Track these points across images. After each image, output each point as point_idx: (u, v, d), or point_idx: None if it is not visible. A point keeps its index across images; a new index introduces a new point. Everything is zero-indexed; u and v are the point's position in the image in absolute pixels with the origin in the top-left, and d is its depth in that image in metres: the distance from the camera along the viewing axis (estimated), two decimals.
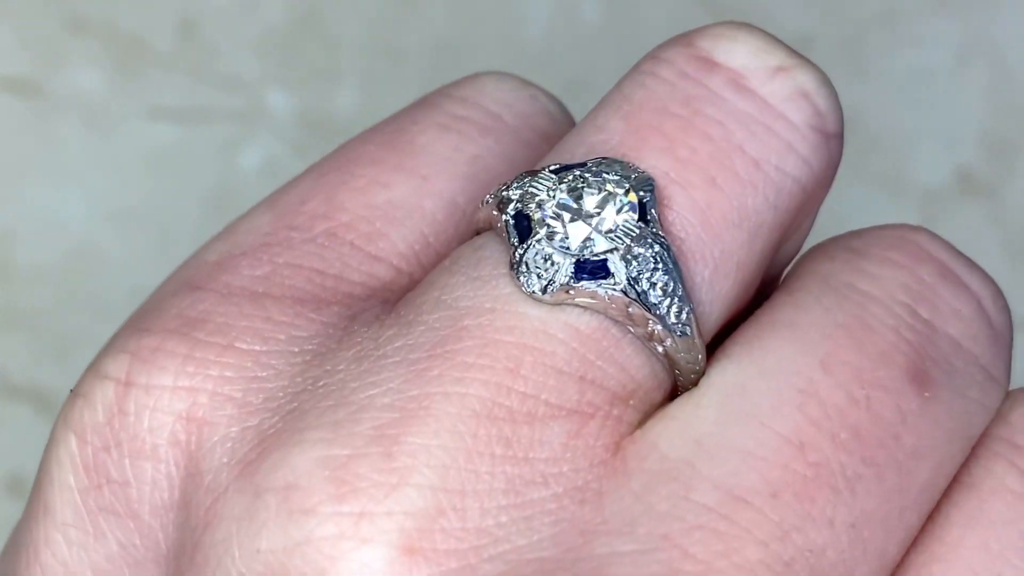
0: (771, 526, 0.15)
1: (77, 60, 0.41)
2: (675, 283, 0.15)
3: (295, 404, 0.15)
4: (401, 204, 0.17)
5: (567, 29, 0.43)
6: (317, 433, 0.15)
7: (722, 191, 0.16)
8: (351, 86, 0.42)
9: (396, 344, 0.15)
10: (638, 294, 0.15)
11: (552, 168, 0.16)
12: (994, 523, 0.16)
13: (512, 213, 0.16)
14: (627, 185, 0.15)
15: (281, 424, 0.15)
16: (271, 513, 0.14)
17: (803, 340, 0.16)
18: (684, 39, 0.16)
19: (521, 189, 0.16)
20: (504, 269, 0.16)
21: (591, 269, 0.15)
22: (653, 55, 0.16)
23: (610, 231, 0.15)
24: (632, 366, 0.16)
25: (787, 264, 0.18)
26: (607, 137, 0.16)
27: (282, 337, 0.16)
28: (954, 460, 0.16)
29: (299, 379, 0.15)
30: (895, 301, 0.16)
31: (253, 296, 0.16)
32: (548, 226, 0.15)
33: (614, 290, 0.15)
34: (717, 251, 0.16)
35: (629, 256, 0.15)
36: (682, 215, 0.16)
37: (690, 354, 0.16)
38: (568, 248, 0.15)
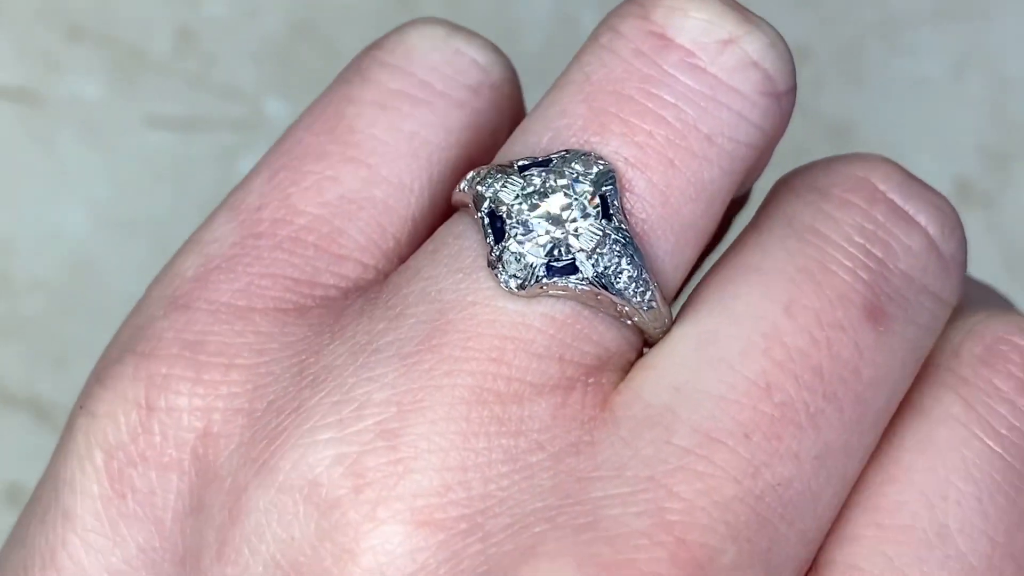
0: (744, 464, 0.16)
1: (75, 69, 0.41)
2: (639, 270, 0.17)
3: (297, 403, 0.17)
4: (353, 197, 0.18)
5: (565, 37, 0.43)
6: (326, 433, 0.16)
7: (679, 171, 0.17)
8: None
9: (388, 339, 0.17)
10: (605, 285, 0.17)
11: (520, 165, 0.17)
12: (941, 449, 0.17)
13: (487, 211, 0.17)
14: (590, 186, 0.17)
15: (288, 422, 0.17)
16: (299, 507, 0.16)
17: (768, 285, 0.17)
18: (640, 9, 0.17)
19: (493, 187, 0.17)
20: (483, 263, 0.17)
21: (562, 268, 0.17)
22: (611, 25, 0.18)
23: (576, 232, 0.17)
24: (606, 340, 0.17)
25: (749, 188, 0.20)
26: (570, 122, 0.17)
27: (275, 346, 0.17)
28: (907, 381, 0.18)
29: (298, 378, 0.17)
30: (851, 243, 0.17)
31: (239, 311, 0.18)
32: (520, 227, 0.17)
33: (583, 284, 0.17)
34: (677, 225, 0.17)
35: (595, 254, 0.17)
36: (643, 198, 0.17)
37: (657, 321, 0.17)
38: (540, 249, 0.17)
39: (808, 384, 0.17)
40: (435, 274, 0.17)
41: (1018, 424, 0.17)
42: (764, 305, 0.17)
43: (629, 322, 0.17)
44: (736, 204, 0.20)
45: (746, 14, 0.18)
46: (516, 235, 0.17)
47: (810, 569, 0.17)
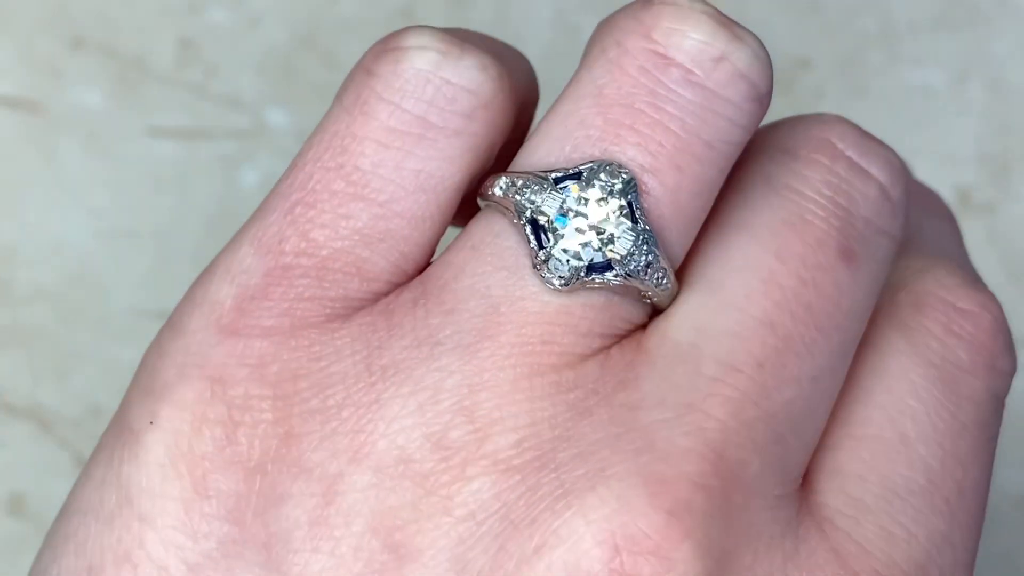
0: (760, 388, 0.20)
1: (78, 79, 0.42)
2: (658, 261, 0.20)
3: (374, 395, 0.19)
4: (369, 232, 0.20)
5: (567, 47, 0.43)
6: (410, 419, 0.19)
7: (686, 174, 0.20)
8: None
9: (447, 332, 0.20)
10: (634, 277, 0.20)
11: (555, 177, 0.20)
12: (893, 375, 0.21)
13: (528, 218, 0.20)
14: (619, 196, 0.20)
15: (371, 414, 0.19)
16: (395, 481, 0.19)
17: (759, 238, 0.21)
18: (643, 27, 0.20)
19: (534, 200, 0.20)
20: (527, 262, 0.20)
21: (599, 267, 0.20)
22: (617, 40, 0.20)
23: (613, 238, 0.20)
24: (633, 315, 0.21)
25: None
26: (589, 133, 0.20)
27: (330, 351, 0.20)
28: (871, 308, 0.22)
29: (366, 375, 0.19)
30: (821, 195, 0.21)
31: (287, 331, 0.20)
32: (562, 235, 0.20)
33: (616, 279, 0.20)
34: (684, 219, 0.20)
35: (629, 256, 0.20)
36: (658, 199, 0.20)
37: (671, 296, 0.21)
38: (581, 253, 0.20)
39: (802, 319, 0.20)
40: (481, 271, 0.20)
41: (948, 356, 0.21)
42: (758, 255, 0.20)
43: (647, 299, 0.21)
44: None
45: (734, 30, 0.20)
46: (559, 241, 0.20)
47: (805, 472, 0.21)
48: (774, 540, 0.19)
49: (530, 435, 0.19)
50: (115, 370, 0.39)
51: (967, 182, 0.42)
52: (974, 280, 0.23)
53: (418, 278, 0.20)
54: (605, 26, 0.21)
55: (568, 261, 0.20)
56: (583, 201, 0.20)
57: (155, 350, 0.21)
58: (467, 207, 0.21)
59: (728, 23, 0.20)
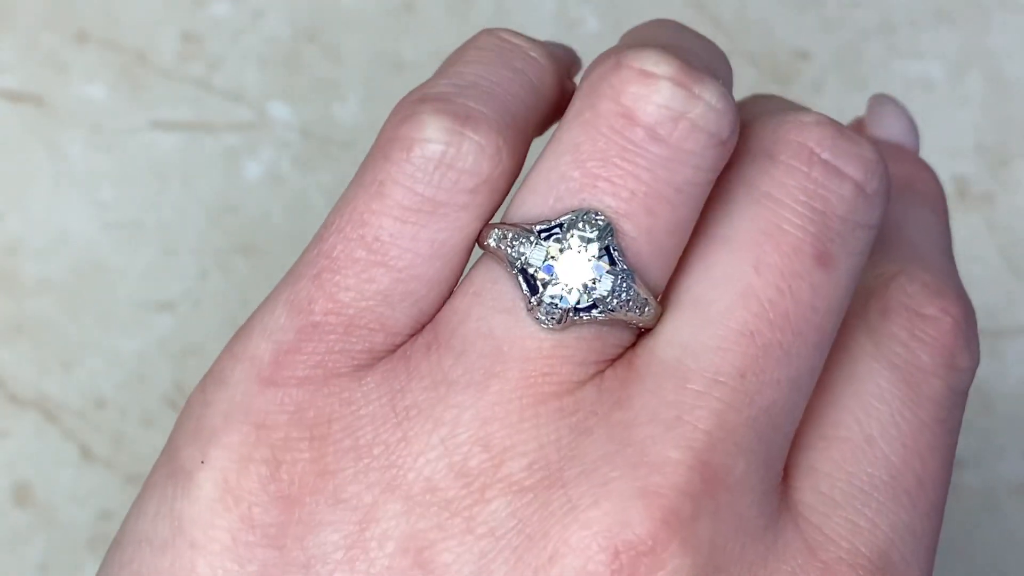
0: (742, 397, 0.22)
1: (82, 73, 0.42)
2: (638, 296, 0.23)
3: (401, 434, 0.22)
4: (390, 293, 0.23)
5: (568, 39, 0.43)
6: (434, 452, 0.22)
7: (658, 216, 0.23)
8: (352, 97, 0.42)
9: (458, 372, 0.22)
10: (617, 312, 0.23)
11: (540, 230, 0.23)
12: (861, 379, 0.24)
13: (519, 268, 0.22)
14: (596, 243, 0.22)
15: (400, 449, 0.22)
16: (423, 508, 0.22)
17: (738, 251, 0.23)
18: (613, 91, 0.23)
19: (523, 253, 0.23)
20: (522, 304, 0.22)
21: (584, 308, 0.22)
22: (591, 103, 0.23)
23: (595, 280, 0.22)
24: (621, 338, 0.23)
25: None
26: (569, 185, 0.23)
27: (359, 395, 0.22)
28: (850, 297, 0.23)
29: (392, 415, 0.22)
30: (798, 202, 0.23)
31: (320, 380, 0.23)
32: (547, 282, 0.22)
33: (602, 314, 0.22)
34: (661, 254, 0.23)
35: (611, 294, 0.22)
36: (634, 239, 0.23)
37: (654, 319, 0.23)
38: (568, 296, 0.22)
39: (780, 326, 0.22)
40: (484, 315, 0.23)
41: (911, 359, 0.24)
42: (737, 267, 0.23)
43: (634, 324, 0.23)
44: None
45: (692, 89, 0.22)
46: (547, 288, 0.22)
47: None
48: (758, 532, 0.22)
49: (539, 458, 0.22)
50: (120, 361, 0.39)
51: (966, 174, 0.42)
52: (941, 283, 0.25)
53: (430, 324, 0.23)
54: (584, 85, 0.23)
55: (557, 305, 0.22)
56: (565, 250, 0.22)
57: (199, 399, 0.23)
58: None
59: (687, 82, 0.22)
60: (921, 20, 0.44)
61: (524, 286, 0.22)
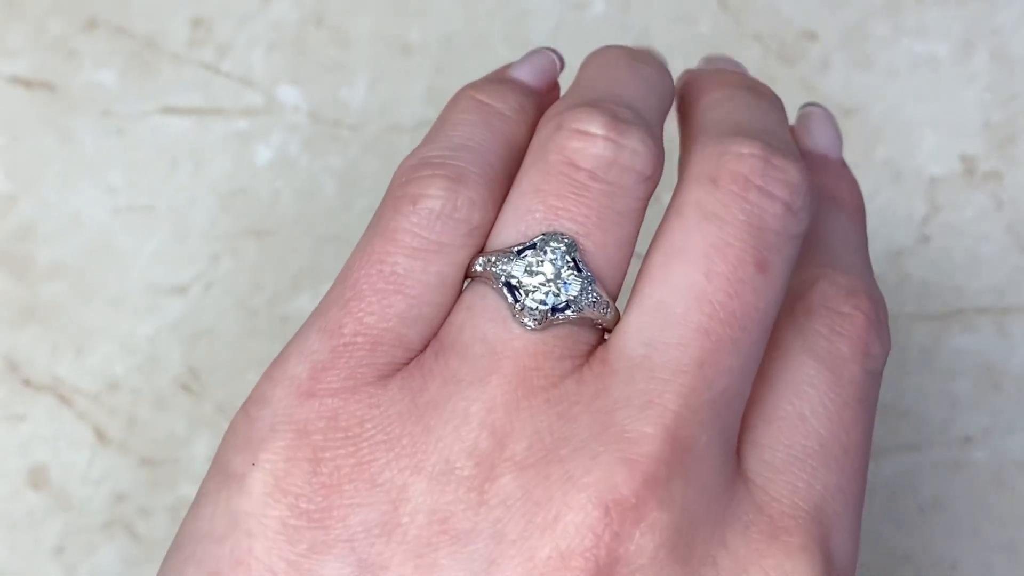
0: (702, 382, 0.27)
1: (92, 59, 0.42)
2: (601, 297, 0.27)
3: (423, 425, 0.26)
4: (406, 316, 0.27)
5: (575, 22, 0.43)
6: (449, 439, 0.26)
7: (609, 233, 0.28)
8: (361, 81, 0.42)
9: (464, 372, 0.27)
10: (585, 311, 0.27)
11: (517, 250, 0.28)
12: (792, 367, 0.28)
13: (503, 281, 0.27)
14: (565, 254, 0.27)
15: (424, 438, 0.26)
16: (445, 485, 0.26)
17: (691, 261, 0.27)
18: (556, 146, 0.28)
19: (506, 269, 0.27)
20: (508, 313, 0.27)
21: (560, 309, 0.27)
22: (542, 155, 0.28)
23: (566, 285, 0.27)
24: (590, 337, 0.28)
25: None
26: (536, 216, 0.28)
27: (385, 399, 0.27)
28: (784, 293, 0.28)
29: (415, 411, 0.27)
30: (738, 221, 0.28)
31: (350, 389, 0.27)
32: (527, 290, 0.27)
33: (574, 314, 0.27)
34: (614, 262, 0.28)
35: (579, 296, 0.27)
36: (592, 253, 0.28)
37: (613, 319, 0.28)
38: (544, 301, 0.27)
39: (729, 323, 0.27)
40: (478, 324, 0.27)
41: (832, 350, 0.29)
42: (691, 275, 0.27)
43: (599, 326, 0.28)
44: None
45: (620, 140, 0.28)
46: (528, 294, 0.27)
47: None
48: (718, 493, 0.27)
49: (536, 441, 0.26)
50: (132, 344, 0.40)
51: (973, 152, 0.42)
52: (854, 283, 0.30)
53: (436, 336, 0.28)
54: (535, 143, 0.29)
55: (537, 307, 0.27)
56: (540, 263, 0.27)
57: (243, 418, 0.27)
58: None
59: (614, 136, 0.28)
60: None
61: (509, 296, 0.27)
